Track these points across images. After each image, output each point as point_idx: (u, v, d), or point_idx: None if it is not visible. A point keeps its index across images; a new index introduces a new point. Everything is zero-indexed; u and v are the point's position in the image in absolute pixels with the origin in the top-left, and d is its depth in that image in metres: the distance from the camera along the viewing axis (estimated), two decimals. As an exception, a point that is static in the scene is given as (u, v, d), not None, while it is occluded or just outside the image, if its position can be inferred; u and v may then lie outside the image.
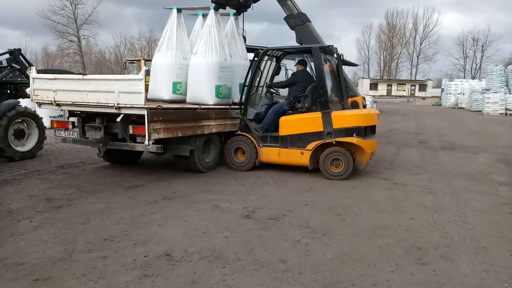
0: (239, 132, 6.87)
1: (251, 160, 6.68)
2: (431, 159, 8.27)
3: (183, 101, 6.87)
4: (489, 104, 24.70)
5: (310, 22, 8.24)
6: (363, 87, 57.22)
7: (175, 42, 6.82)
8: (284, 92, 7.42)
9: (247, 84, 6.80)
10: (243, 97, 6.84)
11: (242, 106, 6.83)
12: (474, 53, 63.28)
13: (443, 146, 10.30)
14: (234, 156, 6.84)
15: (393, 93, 60.19)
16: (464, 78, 51.31)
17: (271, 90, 7.25)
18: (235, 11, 7.49)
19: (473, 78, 54.18)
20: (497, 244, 3.71)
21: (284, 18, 8.40)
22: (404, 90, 60.18)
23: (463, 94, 31.61)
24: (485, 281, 3.00)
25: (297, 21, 8.13)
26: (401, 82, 62.42)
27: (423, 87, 60.29)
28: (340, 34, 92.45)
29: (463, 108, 30.64)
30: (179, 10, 6.96)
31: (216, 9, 6.86)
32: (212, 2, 7.00)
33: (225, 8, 7.37)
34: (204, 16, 7.12)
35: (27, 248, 3.43)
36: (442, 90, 39.93)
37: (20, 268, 3.05)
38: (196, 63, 6.72)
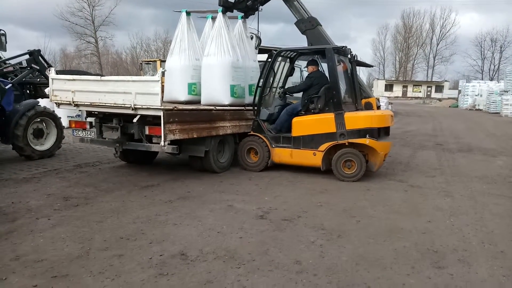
0: (252, 133, 6.89)
1: (263, 160, 6.69)
2: (448, 162, 8.15)
3: (199, 102, 6.93)
4: (508, 106, 24.21)
5: (321, 26, 8.22)
6: (378, 88, 56.74)
7: (187, 44, 6.92)
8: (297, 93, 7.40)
9: (260, 85, 6.82)
10: (257, 98, 6.86)
11: (255, 107, 6.85)
12: (492, 54, 62.19)
13: (460, 148, 10.14)
14: (247, 156, 6.86)
15: (409, 94, 59.50)
16: (482, 79, 50.42)
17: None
18: (242, 14, 7.53)
19: (491, 79, 53.20)
20: (516, 249, 3.64)
21: (295, 23, 8.41)
22: (420, 92, 59.44)
23: (481, 95, 31.11)
24: (503, 286, 2.95)
25: (308, 25, 8.12)
26: (417, 84, 61.68)
27: (439, 88, 59.46)
28: (356, 35, 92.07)
29: (480, 110, 30.13)
30: (188, 13, 7.04)
31: (224, 12, 6.92)
32: (219, 5, 7.05)
33: (232, 11, 7.42)
34: (213, 18, 7.19)
35: (45, 245, 3.49)
36: (459, 92, 39.36)
37: (39, 265, 3.11)
38: (209, 64, 6.77)
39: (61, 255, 3.29)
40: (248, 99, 7.16)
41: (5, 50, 8.38)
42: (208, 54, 6.80)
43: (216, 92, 6.77)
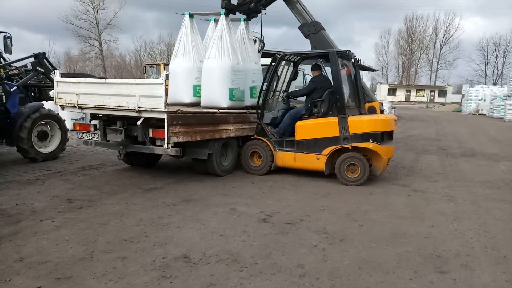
0: (255, 136, 6.90)
1: (267, 164, 6.70)
2: (451, 166, 8.13)
3: (203, 104, 6.96)
4: (511, 111, 24.14)
5: (324, 30, 8.25)
6: (381, 93, 56.67)
7: (191, 46, 6.94)
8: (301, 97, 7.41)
9: (264, 88, 6.83)
10: (260, 101, 6.87)
11: (259, 111, 6.86)
12: (496, 59, 62.26)
13: (463, 153, 10.11)
14: (250, 160, 6.88)
15: (412, 98, 59.42)
16: (485, 84, 50.29)
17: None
18: (245, 16, 7.57)
19: (495, 84, 53.17)
20: (519, 254, 3.63)
21: (298, 27, 8.45)
22: (423, 96, 59.36)
23: (484, 100, 31.03)
24: (507, 292, 2.94)
25: (311, 29, 8.15)
26: (420, 88, 61.58)
27: (442, 93, 59.36)
28: (360, 39, 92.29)
29: (484, 114, 30.06)
30: (191, 16, 7.08)
31: (226, 14, 6.94)
32: (222, 8, 7.09)
33: (235, 14, 7.45)
34: (216, 21, 7.20)
35: (49, 247, 3.51)
36: (463, 96, 39.31)
37: (43, 267, 3.12)
38: (210, 67, 6.78)
39: (65, 257, 3.30)
40: (249, 101, 7.17)
41: (10, 53, 8.42)
42: (209, 57, 6.82)
43: (215, 94, 6.75)
